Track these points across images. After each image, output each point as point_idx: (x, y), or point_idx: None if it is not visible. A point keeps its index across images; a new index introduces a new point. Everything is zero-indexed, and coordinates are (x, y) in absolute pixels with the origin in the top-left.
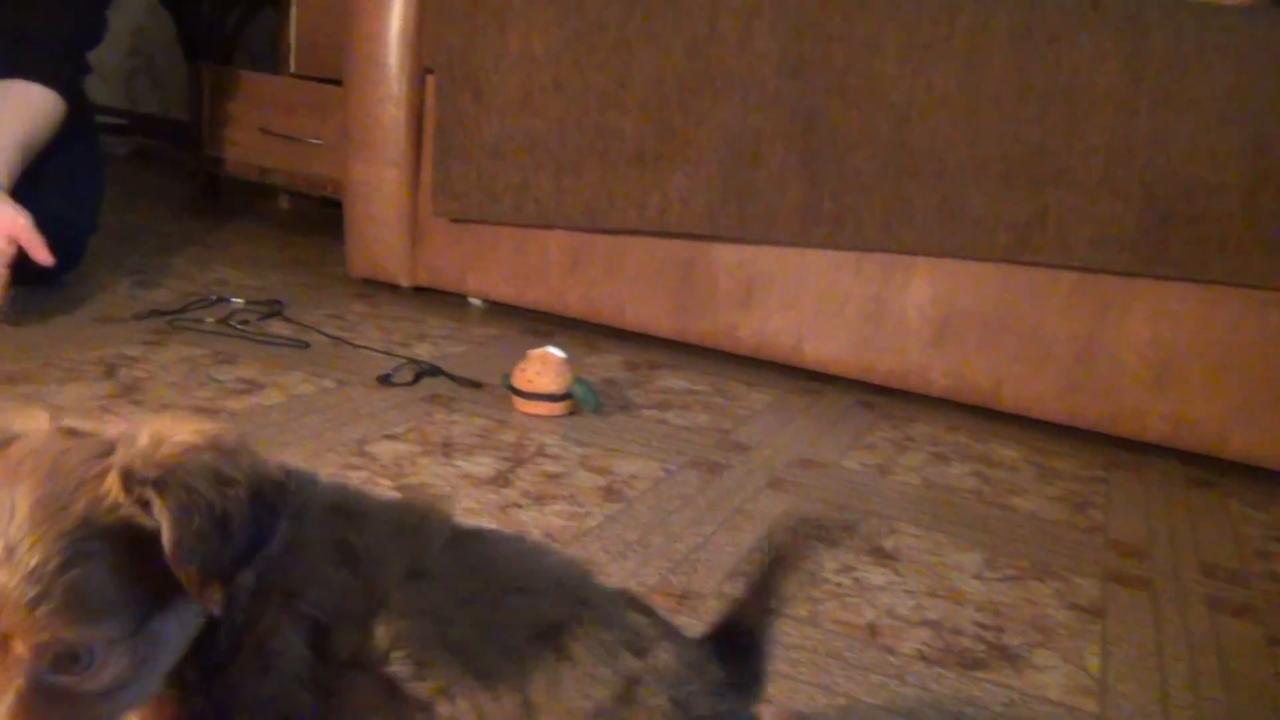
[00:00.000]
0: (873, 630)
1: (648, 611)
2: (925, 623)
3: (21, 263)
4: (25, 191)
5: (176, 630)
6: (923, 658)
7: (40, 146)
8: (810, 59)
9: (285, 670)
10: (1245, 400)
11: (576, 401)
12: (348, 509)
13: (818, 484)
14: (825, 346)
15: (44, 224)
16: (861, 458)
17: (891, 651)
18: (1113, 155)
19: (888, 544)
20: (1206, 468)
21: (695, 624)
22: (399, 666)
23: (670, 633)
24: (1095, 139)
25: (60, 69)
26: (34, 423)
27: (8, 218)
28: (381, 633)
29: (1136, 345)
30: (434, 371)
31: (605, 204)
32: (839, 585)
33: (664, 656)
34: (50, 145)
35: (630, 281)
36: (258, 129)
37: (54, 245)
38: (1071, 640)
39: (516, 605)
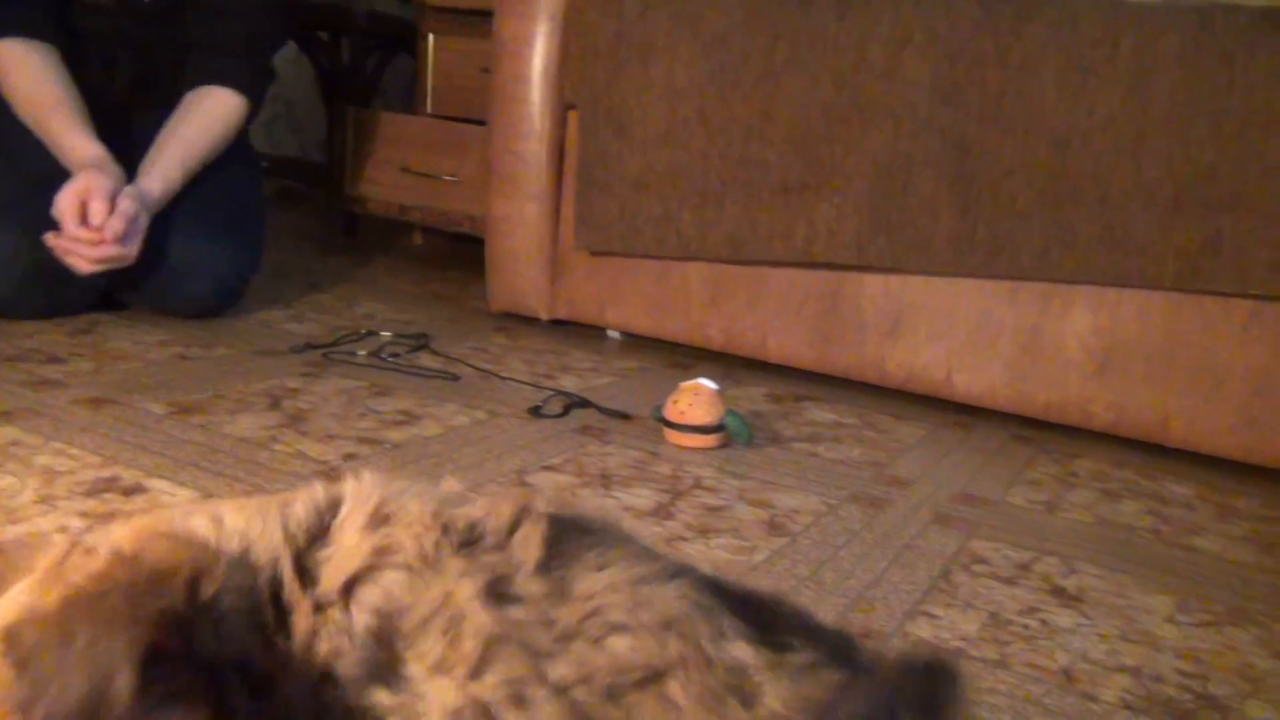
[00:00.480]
0: (1068, 675)
1: (757, 636)
2: (1123, 669)
3: (183, 298)
4: (197, 232)
5: None
6: (1127, 706)
7: (220, 148)
8: (963, 85)
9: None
10: None
11: (729, 434)
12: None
13: (985, 520)
14: (977, 378)
15: (213, 263)
16: (1026, 494)
17: (1093, 699)
18: None
19: (1069, 584)
20: None
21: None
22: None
23: (780, 662)
24: (1274, 160)
25: (243, 71)
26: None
27: (86, 180)
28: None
29: None
30: (583, 403)
31: (749, 235)
32: (1025, 627)
33: (773, 705)
34: (221, 188)
35: (772, 313)
36: (398, 168)
37: (221, 283)
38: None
39: (621, 648)
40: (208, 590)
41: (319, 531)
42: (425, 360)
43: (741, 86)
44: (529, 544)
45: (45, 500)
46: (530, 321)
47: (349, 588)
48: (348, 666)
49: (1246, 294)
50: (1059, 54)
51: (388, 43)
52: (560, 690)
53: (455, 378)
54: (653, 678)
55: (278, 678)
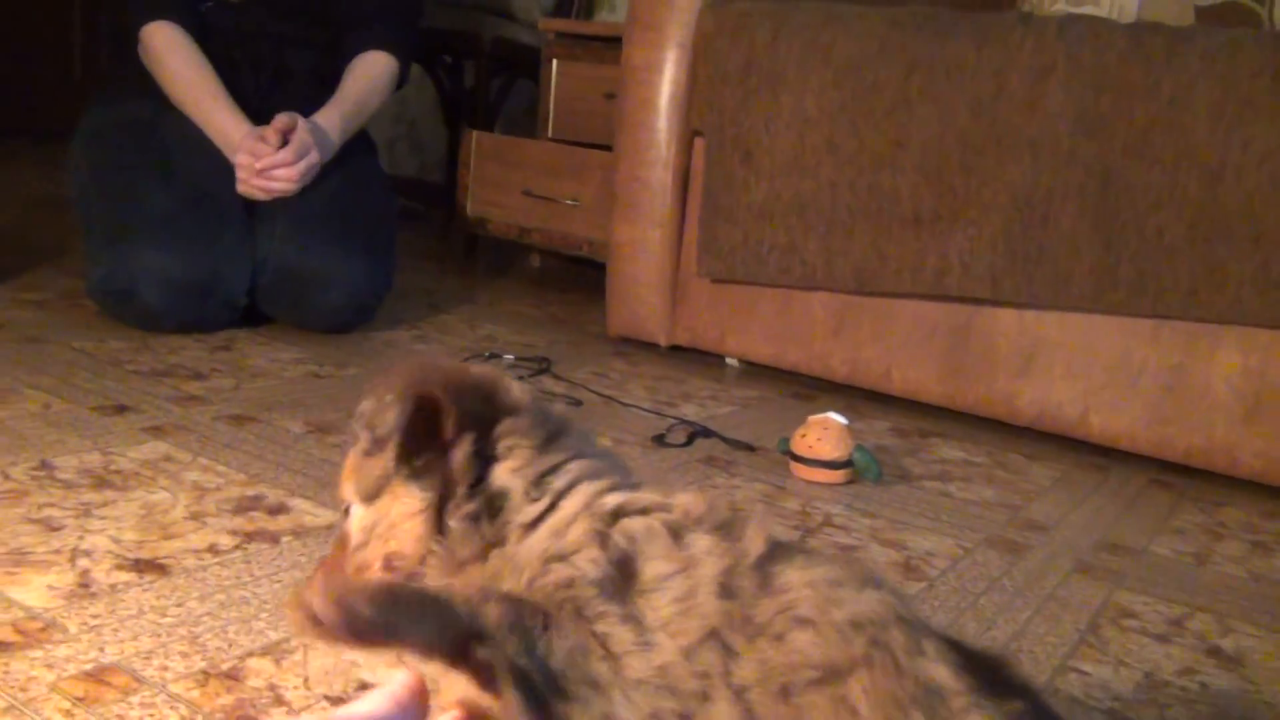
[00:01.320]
0: None
1: (965, 668)
2: None
3: (320, 309)
4: (336, 244)
5: None
6: None
7: (376, 107)
8: (1109, 117)
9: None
10: None
11: (857, 470)
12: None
13: (1130, 571)
14: (1115, 419)
15: (352, 275)
16: (1172, 543)
17: None
18: None
19: (1226, 644)
20: None
21: None
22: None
23: (982, 701)
24: None
25: (393, 34)
26: None
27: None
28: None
29: None
30: (706, 433)
31: (877, 266)
32: (1184, 689)
33: None
34: (358, 203)
35: (898, 345)
36: (519, 191)
37: (358, 295)
38: None
39: (802, 643)
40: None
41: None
42: (548, 384)
43: (873, 116)
44: (755, 539)
45: (196, 517)
46: (649, 347)
47: (617, 513)
48: (588, 562)
49: None
50: (1213, 85)
51: (511, 67)
52: (739, 693)
53: (578, 403)
54: (831, 677)
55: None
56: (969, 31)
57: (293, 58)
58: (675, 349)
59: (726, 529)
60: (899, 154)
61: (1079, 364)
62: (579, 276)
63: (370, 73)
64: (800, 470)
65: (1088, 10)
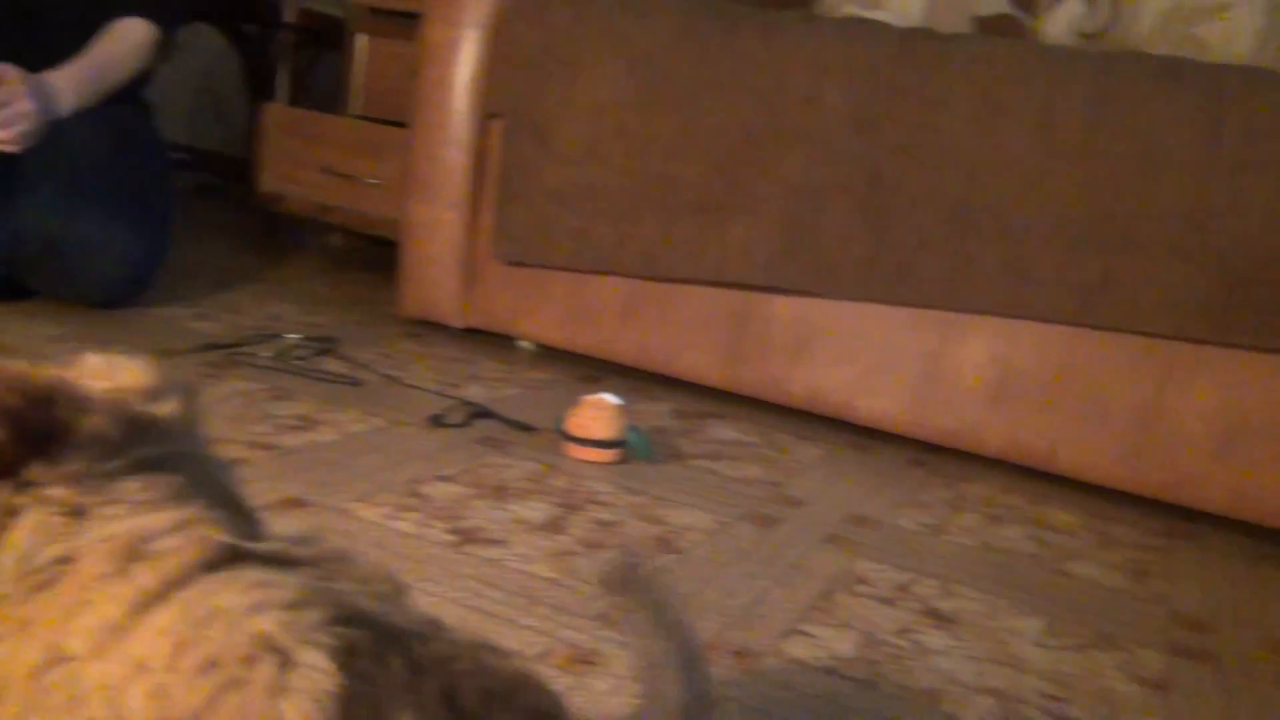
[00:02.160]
0: (934, 696)
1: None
2: (988, 690)
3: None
4: (103, 210)
5: None
6: None
7: (130, 71)
8: (880, 115)
9: None
10: None
11: (629, 449)
12: None
13: (871, 541)
14: (879, 402)
15: (121, 242)
16: (915, 516)
17: (950, 718)
18: (1185, 221)
19: (945, 606)
20: (1270, 540)
21: (753, 682)
22: None
23: None
24: (1167, 204)
25: (155, 4)
26: None
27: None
28: None
29: (1202, 412)
30: (486, 414)
31: (663, 252)
32: (898, 648)
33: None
34: (129, 170)
35: (683, 330)
36: (319, 168)
37: (128, 264)
38: (1137, 715)
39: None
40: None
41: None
42: (331, 364)
43: (664, 105)
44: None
45: None
46: (442, 329)
47: None
48: None
49: (1137, 330)
50: (972, 89)
51: (318, 40)
52: None
53: (358, 383)
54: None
55: None
56: (757, 27)
57: (51, 19)
58: (470, 331)
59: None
60: (687, 143)
61: (848, 350)
62: (380, 257)
63: (121, 36)
64: (572, 450)
65: (876, 15)
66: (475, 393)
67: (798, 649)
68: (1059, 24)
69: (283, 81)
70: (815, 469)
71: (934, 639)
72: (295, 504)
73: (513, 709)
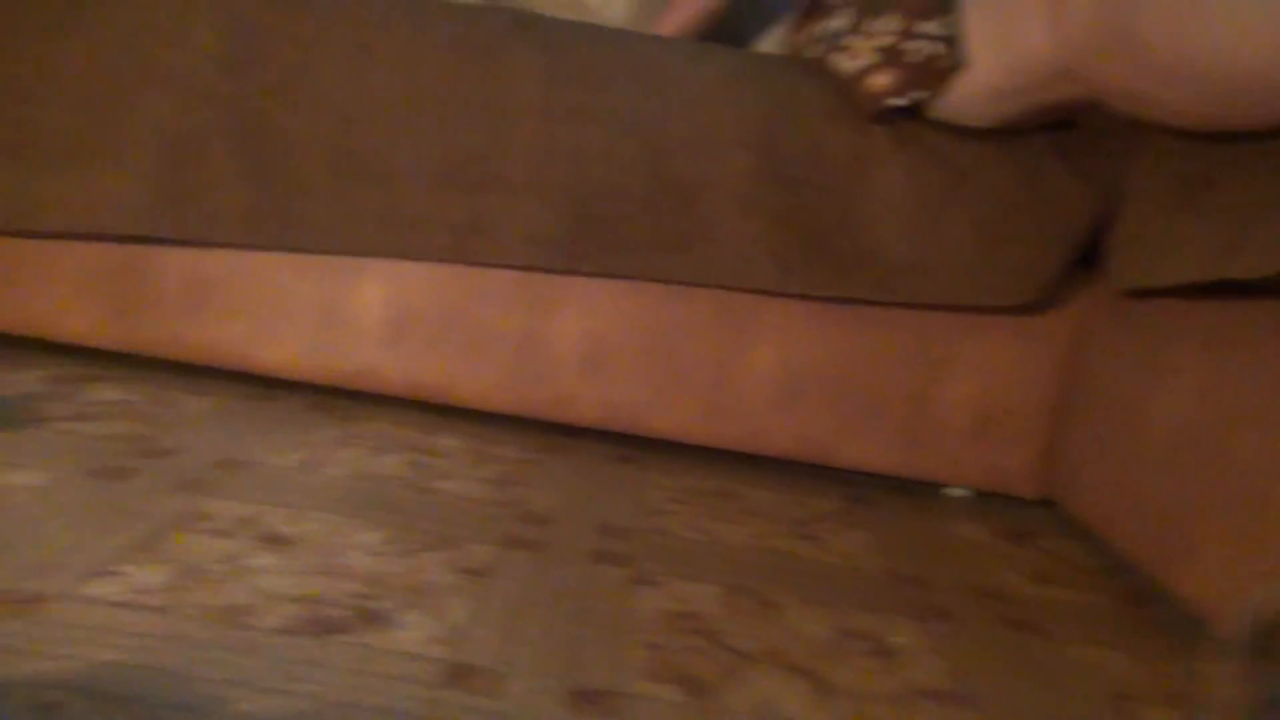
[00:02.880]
0: (235, 611)
1: None
2: (299, 598)
3: None
4: None
5: None
6: (284, 631)
7: None
8: (253, 57)
9: None
10: (664, 382)
11: None
12: None
13: (235, 482)
14: (278, 351)
15: None
16: (294, 455)
17: (250, 628)
18: (537, 161)
19: (288, 531)
20: (634, 446)
21: (32, 627)
22: None
23: None
24: (522, 146)
25: None
26: None
27: None
28: None
29: (570, 337)
30: None
31: (26, 206)
32: (214, 572)
33: None
34: None
35: (65, 289)
36: None
37: None
38: (445, 599)
39: None
40: None
41: None
42: None
43: (20, 40)
44: None
45: None
46: None
47: None
48: None
49: (506, 265)
50: (344, 33)
51: None
52: None
53: None
54: None
55: None
56: None
57: None
58: None
59: None
60: (44, 85)
61: (244, 300)
62: None
63: None
64: None
65: None
66: None
67: (100, 589)
68: None
69: None
70: (201, 421)
71: (261, 561)
72: None
73: None
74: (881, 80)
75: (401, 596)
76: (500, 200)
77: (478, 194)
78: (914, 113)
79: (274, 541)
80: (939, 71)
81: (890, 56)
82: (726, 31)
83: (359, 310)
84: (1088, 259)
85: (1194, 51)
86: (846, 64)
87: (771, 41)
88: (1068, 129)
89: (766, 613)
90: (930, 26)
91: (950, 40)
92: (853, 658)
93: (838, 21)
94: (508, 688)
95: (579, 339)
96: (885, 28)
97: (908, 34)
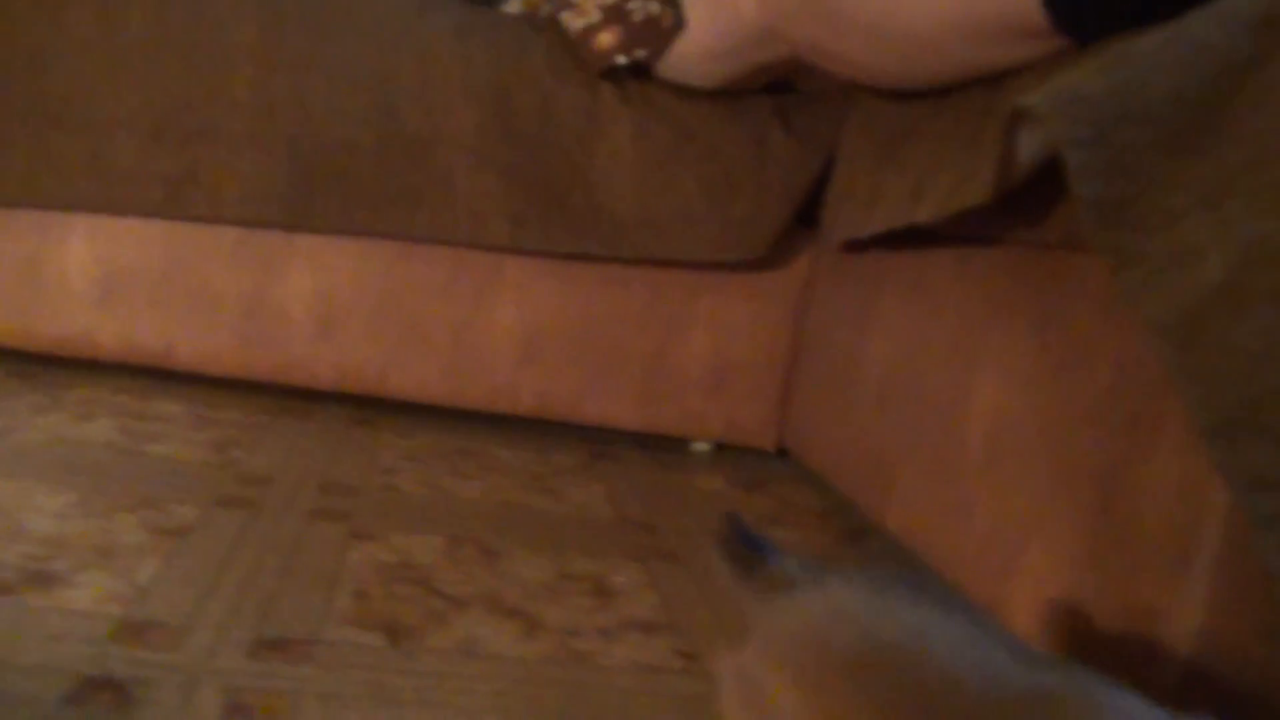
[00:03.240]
0: None
1: None
2: None
3: None
4: None
5: None
6: None
7: None
8: None
9: None
10: (400, 343)
11: None
12: None
13: None
14: None
15: None
16: None
17: None
18: (256, 113)
19: None
20: (374, 409)
21: None
22: None
23: None
24: (240, 96)
25: None
26: None
27: None
28: None
29: (301, 297)
30: None
31: None
32: None
33: None
34: None
35: None
36: None
37: None
38: (134, 559)
39: None
40: None
41: None
42: None
43: None
44: None
45: None
46: None
47: None
48: None
49: (225, 220)
50: None
51: None
52: None
53: None
54: None
55: None
56: None
57: None
58: None
59: None
60: None
61: None
62: None
63: None
64: None
65: None
66: None
67: None
68: None
69: None
70: None
71: None
72: None
73: None
74: (606, 38)
75: (81, 557)
76: (217, 152)
77: (192, 145)
78: (641, 72)
79: None
80: (661, 31)
81: (614, 15)
82: None
83: (66, 268)
84: (812, 219)
85: (872, 12)
86: (574, 22)
87: (516, 1)
88: (789, 92)
89: (487, 561)
90: None
91: (671, 1)
92: (569, 597)
93: None
94: (187, 641)
95: (311, 299)
96: None
97: None
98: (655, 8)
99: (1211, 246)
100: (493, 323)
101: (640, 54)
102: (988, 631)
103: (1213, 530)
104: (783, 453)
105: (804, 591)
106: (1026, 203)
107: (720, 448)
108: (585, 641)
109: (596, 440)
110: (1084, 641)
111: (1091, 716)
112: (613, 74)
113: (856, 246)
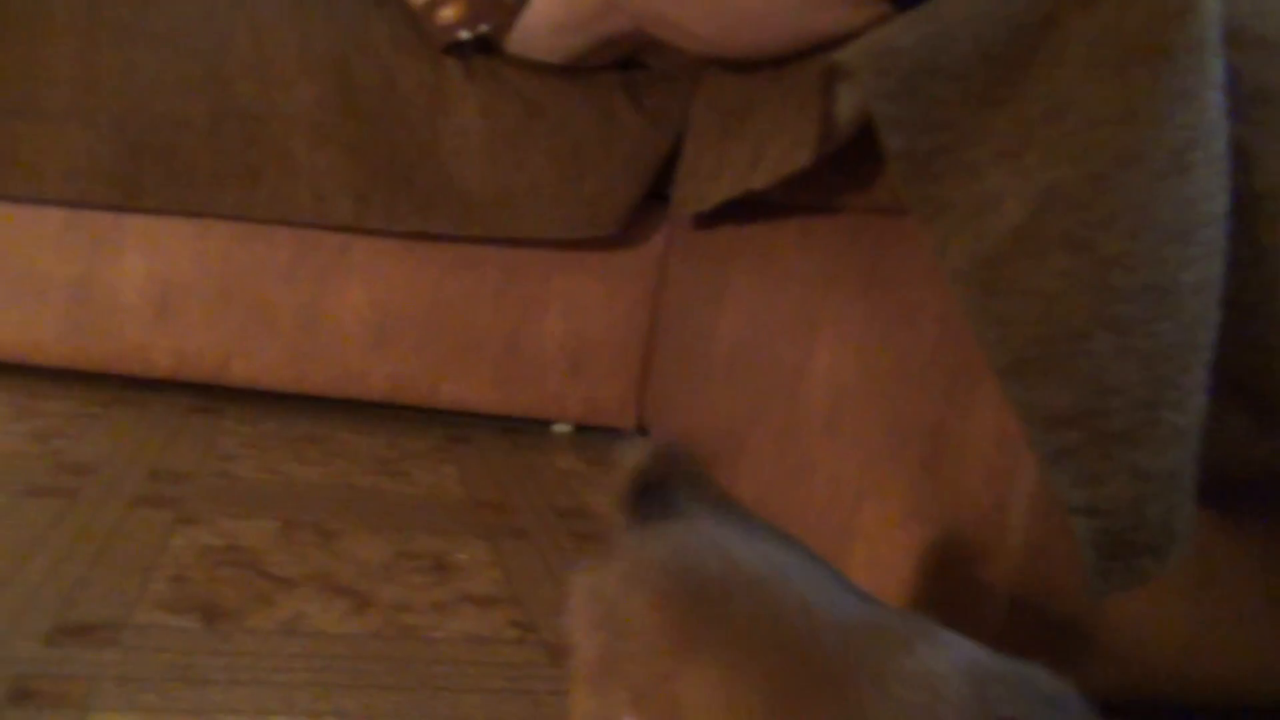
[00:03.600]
0: None
1: None
2: None
3: None
4: None
5: None
6: None
7: None
8: None
9: None
10: (245, 328)
11: None
12: None
13: None
14: None
15: None
16: None
17: None
18: (80, 86)
19: None
20: (216, 397)
21: None
22: None
23: None
24: (60, 70)
25: None
26: None
27: None
28: None
29: (134, 281)
30: None
31: None
32: None
33: None
34: None
35: None
36: None
37: None
38: None
39: None
40: None
41: None
42: None
43: None
44: None
45: None
46: None
47: None
48: None
49: (48, 200)
50: None
51: None
52: None
53: None
54: None
55: None
56: None
57: None
58: None
59: None
60: None
61: None
62: None
63: None
64: None
65: None
66: None
67: None
68: None
69: None
70: None
71: None
72: None
73: None
74: (449, 12)
75: None
76: (36, 128)
77: (9, 121)
78: (488, 47)
79: None
80: (505, 6)
81: None
82: None
83: None
84: (667, 197)
85: None
86: None
87: None
88: (639, 70)
89: (323, 542)
90: None
91: None
92: (405, 575)
93: None
94: None
95: (145, 283)
96: None
97: None
98: None
99: (1010, 195)
100: (341, 305)
101: (484, 28)
102: (838, 578)
103: (1027, 475)
104: (644, 431)
105: (673, 524)
106: (862, 168)
107: (581, 429)
108: (416, 616)
109: (454, 425)
110: (917, 593)
111: (928, 650)
112: (458, 48)
113: (707, 220)
